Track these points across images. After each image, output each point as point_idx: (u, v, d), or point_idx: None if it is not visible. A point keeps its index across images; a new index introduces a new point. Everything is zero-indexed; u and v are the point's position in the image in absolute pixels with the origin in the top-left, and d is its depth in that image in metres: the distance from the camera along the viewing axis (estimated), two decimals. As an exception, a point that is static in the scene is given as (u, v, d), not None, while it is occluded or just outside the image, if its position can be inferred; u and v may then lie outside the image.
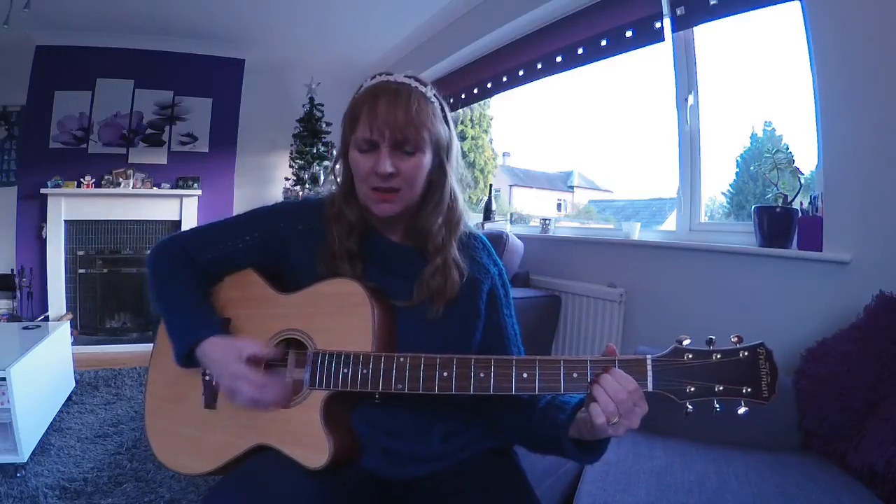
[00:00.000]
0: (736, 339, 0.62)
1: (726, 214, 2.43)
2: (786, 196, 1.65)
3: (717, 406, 0.62)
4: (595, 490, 1.06)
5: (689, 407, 0.62)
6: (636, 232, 2.29)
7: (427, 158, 0.81)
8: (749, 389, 0.61)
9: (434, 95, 0.83)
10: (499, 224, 3.04)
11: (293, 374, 0.83)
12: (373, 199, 0.80)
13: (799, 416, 1.32)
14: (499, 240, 2.37)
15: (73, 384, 2.56)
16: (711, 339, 0.63)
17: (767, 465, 1.18)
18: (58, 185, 3.65)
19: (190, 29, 3.72)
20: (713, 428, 1.34)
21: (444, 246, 0.84)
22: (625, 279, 2.22)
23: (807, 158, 1.68)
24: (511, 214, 3.66)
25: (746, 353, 0.61)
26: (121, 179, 3.80)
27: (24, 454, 1.80)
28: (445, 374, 0.69)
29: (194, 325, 0.82)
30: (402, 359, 0.72)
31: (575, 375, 0.65)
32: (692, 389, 0.62)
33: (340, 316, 0.78)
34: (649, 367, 0.64)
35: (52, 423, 2.17)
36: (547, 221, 2.80)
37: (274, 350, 0.81)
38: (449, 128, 0.85)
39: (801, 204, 1.64)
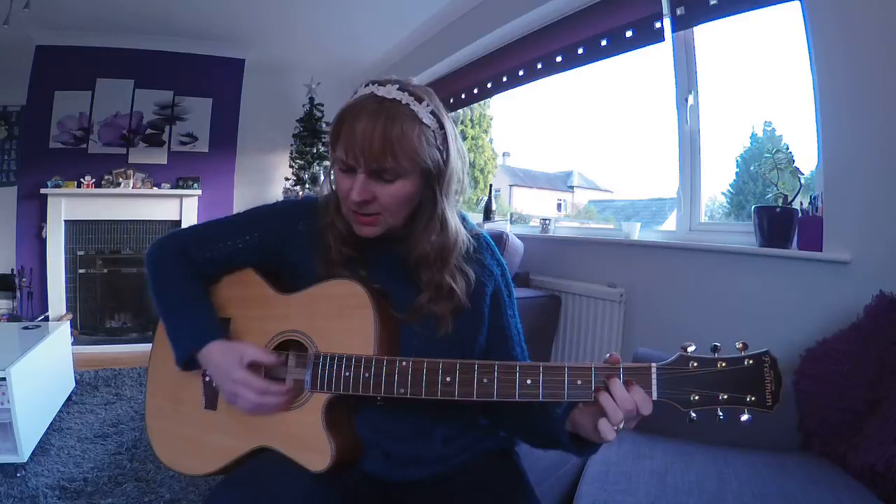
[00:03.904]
0: (741, 345, 0.62)
1: (726, 214, 2.43)
2: (786, 196, 1.65)
3: (721, 414, 0.61)
4: (595, 490, 1.06)
5: (693, 415, 0.61)
6: (636, 232, 2.29)
7: (410, 186, 0.75)
8: (753, 398, 0.60)
9: (430, 113, 0.75)
10: (499, 224, 3.04)
11: (293, 374, 0.83)
12: (353, 220, 0.78)
13: (799, 416, 1.32)
14: (499, 240, 2.36)
15: (73, 384, 2.56)
16: (716, 345, 0.62)
17: (767, 465, 1.18)
18: (58, 185, 3.65)
19: (190, 29, 3.72)
20: (713, 428, 1.34)
21: (437, 274, 0.79)
22: (625, 279, 2.22)
23: (807, 158, 1.68)
24: (511, 214, 3.65)
25: (751, 361, 0.61)
26: (121, 179, 3.80)
27: (24, 454, 1.80)
28: (448, 379, 0.68)
29: (195, 330, 0.81)
30: (404, 363, 0.70)
31: (579, 383, 0.64)
32: (696, 398, 0.61)
33: (341, 318, 0.77)
34: (654, 376, 0.63)
35: (52, 423, 2.18)
36: (547, 221, 2.80)
37: (275, 356, 0.79)
38: (446, 152, 0.77)
39: (801, 204, 1.64)
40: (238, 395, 0.75)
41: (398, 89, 0.74)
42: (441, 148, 0.77)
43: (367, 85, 0.76)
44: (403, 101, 0.73)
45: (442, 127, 0.77)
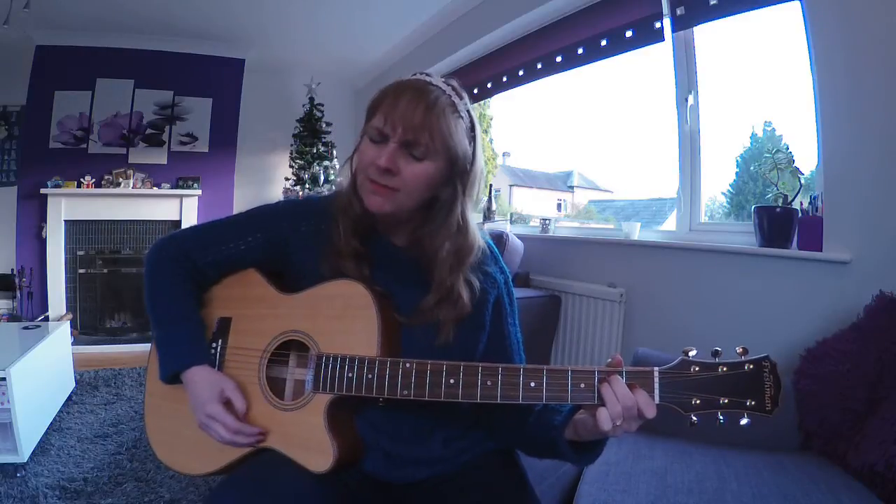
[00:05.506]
0: (741, 350, 0.63)
1: (726, 214, 2.42)
2: (786, 196, 1.65)
3: (721, 418, 0.62)
4: (595, 490, 1.06)
5: (694, 418, 0.62)
6: (636, 232, 2.29)
7: (435, 169, 0.76)
8: (753, 402, 0.61)
9: (468, 112, 0.79)
10: (499, 224, 3.04)
11: (295, 375, 0.83)
12: (367, 189, 0.77)
13: (799, 416, 1.32)
14: (499, 240, 2.37)
15: (73, 384, 2.56)
16: (717, 350, 0.63)
17: (767, 465, 1.18)
18: (58, 185, 3.65)
19: (190, 29, 3.73)
20: (713, 429, 1.34)
21: (450, 276, 0.78)
22: (625, 279, 2.22)
23: (807, 158, 1.68)
24: (511, 214, 3.66)
25: (751, 366, 0.61)
26: (121, 179, 3.80)
27: (24, 454, 1.80)
28: (452, 381, 0.68)
29: (182, 351, 0.81)
30: (408, 364, 0.70)
31: (582, 386, 0.65)
32: (697, 402, 0.62)
33: (344, 318, 0.77)
34: (656, 380, 0.63)
35: (52, 423, 2.18)
36: (547, 221, 2.80)
37: (243, 403, 0.79)
38: (474, 152, 0.80)
39: (801, 204, 1.64)
40: (210, 428, 0.77)
41: (444, 82, 0.79)
42: (471, 146, 0.80)
43: (413, 75, 0.81)
44: (447, 92, 0.78)
45: (473, 129, 0.81)
